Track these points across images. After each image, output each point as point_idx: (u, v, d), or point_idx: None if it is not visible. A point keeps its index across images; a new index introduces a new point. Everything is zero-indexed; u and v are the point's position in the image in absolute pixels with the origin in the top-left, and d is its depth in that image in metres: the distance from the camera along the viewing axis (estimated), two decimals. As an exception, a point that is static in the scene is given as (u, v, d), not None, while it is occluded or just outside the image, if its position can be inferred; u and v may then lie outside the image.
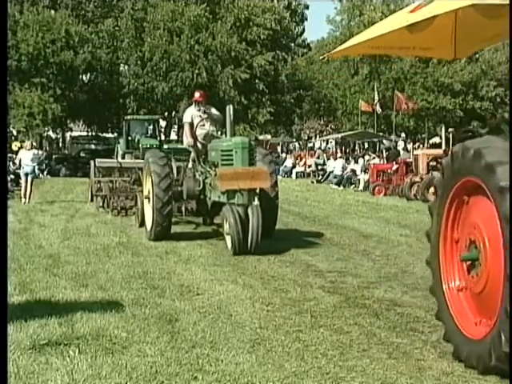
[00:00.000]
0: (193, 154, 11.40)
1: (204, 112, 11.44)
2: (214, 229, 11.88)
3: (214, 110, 11.68)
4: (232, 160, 9.91)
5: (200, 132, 11.37)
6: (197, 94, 11.81)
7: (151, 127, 33.47)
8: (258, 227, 9.20)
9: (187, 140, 11.38)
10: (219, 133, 12.32)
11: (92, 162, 18.50)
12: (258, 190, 9.58)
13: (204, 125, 11.39)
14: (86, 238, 11.24)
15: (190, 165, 11.51)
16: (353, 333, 5.43)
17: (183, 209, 11.47)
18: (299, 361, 4.71)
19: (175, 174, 11.34)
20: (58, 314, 5.75)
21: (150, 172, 10.87)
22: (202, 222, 12.35)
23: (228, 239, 9.56)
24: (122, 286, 7.21)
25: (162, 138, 35.81)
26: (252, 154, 10.11)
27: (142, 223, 11.83)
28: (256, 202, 9.44)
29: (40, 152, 22.55)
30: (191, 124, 11.40)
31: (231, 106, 10.73)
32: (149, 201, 11.17)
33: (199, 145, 11.36)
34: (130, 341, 5.13)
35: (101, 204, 16.50)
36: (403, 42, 5.88)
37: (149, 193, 11.13)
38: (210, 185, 10.46)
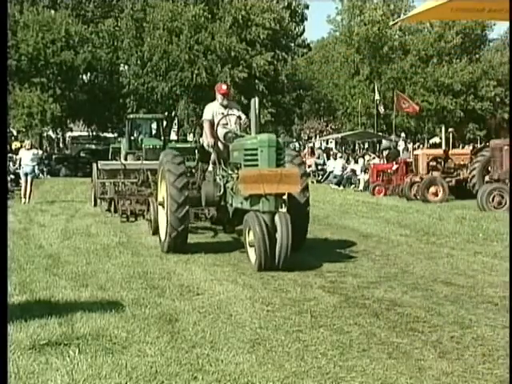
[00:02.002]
0: (213, 156, 10.09)
1: (226, 108, 10.23)
2: (234, 237, 11.08)
3: (240, 113, 10.38)
4: (257, 160, 8.56)
5: (221, 131, 10.10)
6: (224, 86, 10.47)
7: (155, 126, 32.42)
8: (287, 238, 7.94)
9: (207, 140, 10.10)
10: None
11: (94, 165, 17.53)
12: (285, 196, 8.46)
13: (226, 123, 10.15)
14: (85, 238, 11.24)
15: (209, 168, 10.27)
16: (353, 333, 5.43)
17: (202, 215, 10.32)
18: (299, 361, 4.71)
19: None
20: (57, 314, 5.75)
21: (164, 175, 9.66)
22: (221, 228, 11.22)
23: (251, 252, 8.27)
24: (122, 286, 7.21)
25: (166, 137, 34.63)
26: (280, 153, 8.72)
27: (156, 231, 10.79)
28: (283, 209, 8.31)
29: (39, 152, 22.48)
30: (212, 122, 10.16)
31: (257, 99, 9.32)
32: (163, 208, 9.98)
33: (220, 145, 10.07)
34: (129, 341, 5.13)
35: (107, 208, 15.44)
36: (496, 3, 4.58)
37: (163, 199, 9.93)
38: (232, 189, 9.21)
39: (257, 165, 8.55)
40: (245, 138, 9.34)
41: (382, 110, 45.55)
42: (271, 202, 8.24)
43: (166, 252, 9.53)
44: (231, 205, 9.39)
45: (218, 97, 10.29)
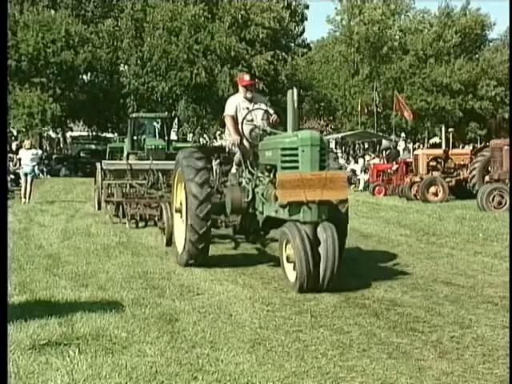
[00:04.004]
0: (237, 156, 8.94)
1: (251, 101, 9.12)
2: (258, 248, 10.06)
3: (268, 107, 9.28)
4: (297, 162, 7.27)
5: (248, 127, 8.95)
6: (246, 77, 9.37)
7: (159, 126, 31.22)
8: (334, 254, 6.81)
9: (231, 138, 8.94)
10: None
11: (98, 165, 16.68)
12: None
13: (252, 119, 9.00)
14: (86, 238, 11.24)
15: (233, 169, 9.13)
16: (353, 333, 5.43)
17: (221, 224, 8.90)
18: (299, 361, 4.71)
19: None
20: (57, 314, 5.75)
21: (182, 173, 8.51)
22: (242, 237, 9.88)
23: (289, 269, 7.12)
24: (122, 286, 7.21)
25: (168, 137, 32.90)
26: (324, 153, 7.40)
27: (170, 241, 9.74)
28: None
29: (39, 152, 22.47)
30: (235, 117, 9.07)
31: (295, 90, 8.03)
32: (181, 215, 8.87)
33: (246, 143, 8.91)
34: (129, 341, 5.13)
35: (114, 212, 14.10)
36: None
37: (181, 205, 8.78)
38: (263, 195, 7.95)
39: (297, 167, 7.29)
40: (281, 136, 8.13)
41: (375, 110, 45.65)
42: (314, 210, 7.02)
43: (185, 265, 8.39)
44: (261, 213, 8.11)
45: (241, 89, 9.22)
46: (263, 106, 9.20)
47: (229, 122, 9.10)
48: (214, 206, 8.31)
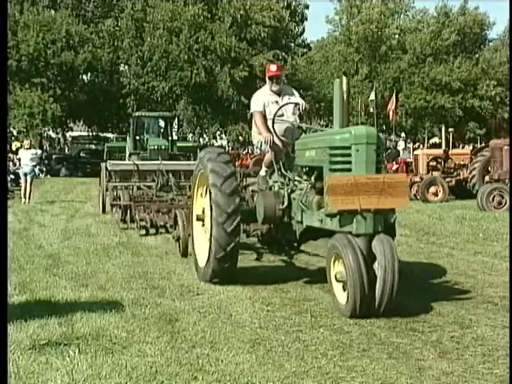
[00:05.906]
0: (268, 157, 7.95)
1: (280, 95, 8.06)
2: (285, 261, 9.00)
3: (298, 99, 8.14)
4: (350, 163, 6.16)
5: (279, 124, 7.85)
6: (272, 67, 8.17)
7: (162, 125, 30.82)
8: (393, 273, 5.76)
9: (263, 135, 7.76)
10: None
11: (103, 165, 15.85)
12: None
13: (282, 114, 7.88)
14: (86, 238, 11.25)
15: (262, 172, 8.21)
16: (353, 333, 5.43)
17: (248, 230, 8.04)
18: (299, 361, 4.71)
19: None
20: (57, 314, 5.76)
21: (207, 178, 7.38)
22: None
23: (338, 289, 6.10)
24: (122, 285, 7.22)
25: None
26: (380, 153, 6.28)
27: (186, 252, 9.05)
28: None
29: (39, 151, 22.47)
30: (264, 114, 7.97)
31: (344, 79, 6.79)
32: (202, 223, 7.88)
33: (278, 142, 7.78)
34: (129, 341, 5.13)
35: (121, 217, 13.19)
36: None
37: (203, 213, 7.82)
38: (303, 202, 6.88)
39: (349, 169, 6.18)
40: (327, 132, 7.10)
41: (372, 109, 45.68)
42: (369, 221, 5.98)
43: (207, 281, 7.42)
44: (300, 222, 7.03)
45: (267, 81, 8.14)
46: (293, 99, 8.09)
47: (258, 119, 7.96)
48: (243, 214, 7.37)
